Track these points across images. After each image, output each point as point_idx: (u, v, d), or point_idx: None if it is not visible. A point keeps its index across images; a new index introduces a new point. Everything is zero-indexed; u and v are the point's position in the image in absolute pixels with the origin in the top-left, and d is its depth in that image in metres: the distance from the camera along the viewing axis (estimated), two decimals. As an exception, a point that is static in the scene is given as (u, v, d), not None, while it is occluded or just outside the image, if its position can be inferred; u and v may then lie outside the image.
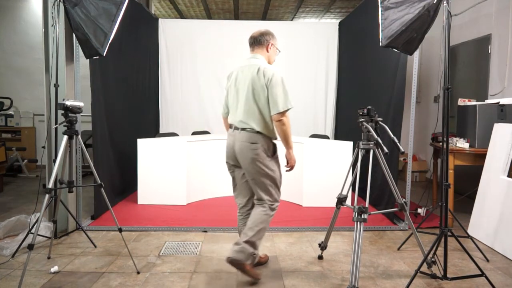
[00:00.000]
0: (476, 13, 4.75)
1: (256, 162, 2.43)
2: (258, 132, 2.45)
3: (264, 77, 2.43)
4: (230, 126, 2.58)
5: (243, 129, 2.47)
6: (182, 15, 8.86)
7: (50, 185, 2.50)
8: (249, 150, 2.43)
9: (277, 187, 2.56)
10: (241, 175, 2.58)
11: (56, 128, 3.25)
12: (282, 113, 2.42)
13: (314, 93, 5.97)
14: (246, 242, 2.39)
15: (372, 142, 2.46)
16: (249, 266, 2.41)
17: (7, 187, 5.35)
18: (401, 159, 5.86)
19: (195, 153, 4.36)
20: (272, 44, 2.62)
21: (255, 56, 2.60)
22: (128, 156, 4.50)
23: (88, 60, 3.35)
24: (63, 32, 3.31)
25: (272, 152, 2.53)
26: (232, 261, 2.34)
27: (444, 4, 2.51)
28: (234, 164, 2.59)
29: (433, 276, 2.53)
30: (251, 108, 2.46)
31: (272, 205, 2.52)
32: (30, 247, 2.28)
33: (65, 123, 2.63)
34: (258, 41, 2.61)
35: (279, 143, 2.59)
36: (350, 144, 4.15)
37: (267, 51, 2.62)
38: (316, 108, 5.98)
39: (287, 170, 2.61)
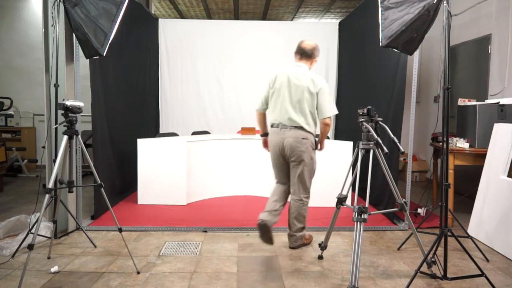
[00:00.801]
0: (476, 13, 4.74)
1: (305, 153, 2.90)
2: (307, 130, 2.91)
3: (316, 86, 2.87)
4: (277, 125, 2.97)
5: (294, 127, 2.88)
6: (182, 15, 8.86)
7: (50, 185, 2.50)
8: (301, 145, 2.88)
9: (312, 177, 3.06)
10: (283, 164, 3.06)
11: (56, 128, 3.26)
12: (329, 117, 2.92)
13: (314, 93, 5.96)
14: (297, 230, 3.02)
15: (372, 142, 2.46)
16: (305, 241, 3.13)
17: (7, 187, 5.35)
18: (401, 159, 5.86)
19: (195, 153, 4.36)
20: (315, 59, 3.11)
21: (301, 65, 3.02)
22: (128, 156, 4.50)
23: (88, 60, 3.35)
24: (63, 32, 3.31)
25: (315, 146, 3.03)
26: (295, 248, 3.06)
27: (444, 4, 2.51)
28: (278, 157, 3.04)
29: (433, 276, 2.53)
30: (303, 110, 2.88)
31: (307, 198, 3.02)
32: (30, 247, 2.28)
33: (65, 123, 2.63)
34: (308, 54, 3.03)
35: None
36: (350, 144, 4.15)
37: (311, 63, 3.08)
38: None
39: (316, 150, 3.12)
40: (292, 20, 9.00)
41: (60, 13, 3.20)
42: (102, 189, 2.73)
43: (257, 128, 5.31)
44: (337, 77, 5.96)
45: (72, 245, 3.10)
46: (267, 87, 3.05)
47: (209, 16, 8.78)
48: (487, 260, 2.88)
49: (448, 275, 2.47)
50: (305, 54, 3.01)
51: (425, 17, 2.60)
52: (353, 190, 2.43)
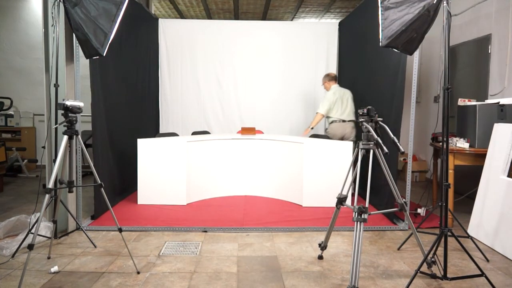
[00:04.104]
0: (476, 13, 4.75)
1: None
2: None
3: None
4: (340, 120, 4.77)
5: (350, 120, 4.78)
6: (182, 15, 8.86)
7: (50, 185, 2.49)
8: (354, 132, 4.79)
9: None
10: None
11: (56, 128, 3.26)
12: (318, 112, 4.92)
13: (314, 93, 5.97)
14: None
15: (372, 142, 2.46)
16: None
17: (7, 187, 5.35)
18: (401, 159, 5.87)
19: (195, 153, 4.36)
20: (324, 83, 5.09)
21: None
22: (128, 156, 4.50)
23: (88, 60, 3.35)
24: (63, 32, 3.31)
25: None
26: None
27: (444, 4, 2.51)
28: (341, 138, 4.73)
29: (433, 276, 2.53)
30: (352, 110, 4.80)
31: None
32: (30, 247, 2.28)
33: (65, 123, 2.63)
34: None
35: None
36: (350, 144, 4.15)
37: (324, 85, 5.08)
38: (316, 108, 5.98)
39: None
40: (292, 20, 9.00)
41: (60, 13, 3.20)
42: (102, 189, 2.73)
43: (257, 128, 5.39)
44: (337, 77, 5.95)
45: (72, 245, 3.10)
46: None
47: (209, 16, 8.78)
48: (487, 260, 2.88)
49: (448, 275, 2.47)
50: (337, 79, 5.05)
51: (425, 17, 2.60)
52: (353, 190, 2.43)
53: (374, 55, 4.30)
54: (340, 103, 4.75)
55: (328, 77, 4.96)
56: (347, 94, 4.82)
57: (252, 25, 6.11)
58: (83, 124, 3.64)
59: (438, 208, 2.63)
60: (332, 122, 4.80)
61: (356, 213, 2.28)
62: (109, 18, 3.07)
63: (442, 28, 2.55)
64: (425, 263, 2.51)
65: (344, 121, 4.73)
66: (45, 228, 3.09)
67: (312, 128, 4.90)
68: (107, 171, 3.99)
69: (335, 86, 4.87)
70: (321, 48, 5.93)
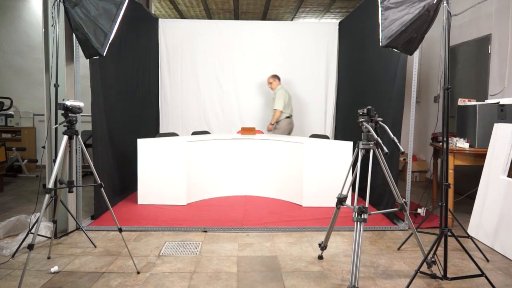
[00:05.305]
0: (476, 13, 4.74)
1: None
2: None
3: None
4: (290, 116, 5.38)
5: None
6: (182, 15, 8.86)
7: (50, 185, 2.49)
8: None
9: None
10: None
11: (56, 128, 3.26)
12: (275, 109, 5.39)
13: (314, 93, 5.97)
14: None
15: (372, 142, 2.46)
16: None
17: (7, 187, 5.35)
18: (401, 159, 5.86)
19: (195, 153, 4.36)
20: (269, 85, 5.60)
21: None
22: (128, 156, 4.50)
23: (88, 60, 3.35)
24: (63, 32, 3.31)
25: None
26: None
27: (444, 4, 2.51)
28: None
29: (433, 276, 2.53)
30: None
31: None
32: (30, 247, 2.28)
33: (65, 123, 2.63)
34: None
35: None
36: (350, 144, 4.15)
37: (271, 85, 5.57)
38: (316, 108, 5.99)
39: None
40: (292, 20, 9.00)
41: (60, 13, 3.20)
42: (102, 189, 2.73)
43: (257, 128, 5.45)
44: (337, 77, 5.96)
45: (72, 245, 3.10)
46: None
47: (209, 16, 8.78)
48: (487, 260, 2.88)
49: (448, 275, 2.47)
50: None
51: (425, 17, 2.60)
52: (353, 190, 2.43)
53: (374, 55, 4.30)
54: (288, 100, 5.34)
55: (277, 77, 5.44)
56: (289, 93, 5.44)
57: (252, 25, 6.11)
58: (83, 124, 3.64)
59: (438, 208, 2.63)
60: (283, 118, 5.31)
61: (356, 213, 2.28)
62: (109, 18, 3.07)
63: (442, 28, 2.55)
64: (425, 263, 2.51)
65: (291, 116, 5.38)
66: (45, 228, 3.09)
67: (273, 124, 5.34)
68: (107, 171, 3.98)
69: (280, 86, 5.39)
70: (321, 48, 5.93)
